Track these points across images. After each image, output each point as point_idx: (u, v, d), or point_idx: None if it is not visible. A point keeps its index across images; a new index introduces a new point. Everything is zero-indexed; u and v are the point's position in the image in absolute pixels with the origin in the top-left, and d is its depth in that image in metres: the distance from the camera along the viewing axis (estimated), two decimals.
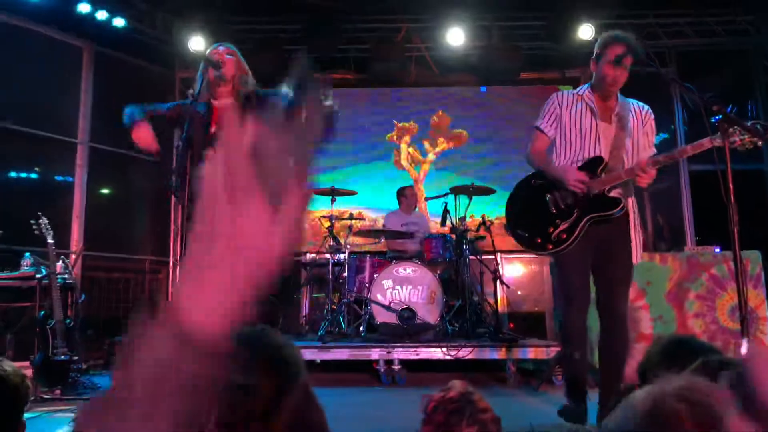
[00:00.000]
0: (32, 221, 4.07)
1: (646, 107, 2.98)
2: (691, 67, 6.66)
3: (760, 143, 2.47)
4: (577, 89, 3.01)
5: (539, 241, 2.87)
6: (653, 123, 2.97)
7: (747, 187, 4.74)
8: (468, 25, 6.51)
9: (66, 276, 4.36)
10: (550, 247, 2.84)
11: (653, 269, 4.53)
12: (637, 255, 2.86)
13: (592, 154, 2.86)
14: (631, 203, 2.90)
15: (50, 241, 4.00)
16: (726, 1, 6.39)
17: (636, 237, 2.86)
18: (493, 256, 5.52)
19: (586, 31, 6.24)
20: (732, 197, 2.59)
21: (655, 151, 2.90)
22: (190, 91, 2.90)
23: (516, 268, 6.87)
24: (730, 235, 2.56)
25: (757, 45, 6.57)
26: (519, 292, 6.73)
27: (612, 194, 2.81)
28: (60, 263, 4.21)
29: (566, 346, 2.94)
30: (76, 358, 3.91)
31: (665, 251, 5.10)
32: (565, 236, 2.81)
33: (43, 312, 3.90)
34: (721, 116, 2.42)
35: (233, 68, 2.89)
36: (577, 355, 2.79)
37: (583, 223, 2.80)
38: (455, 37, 6.50)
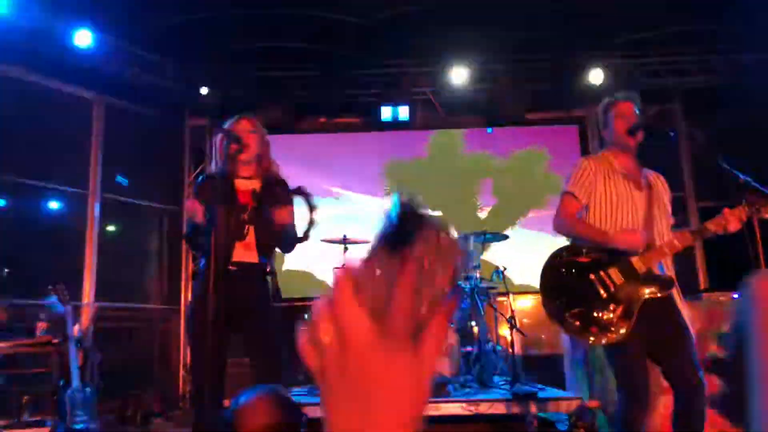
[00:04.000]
0: (50, 286, 4.04)
1: (660, 175, 2.94)
2: (695, 105, 6.68)
3: None
4: (601, 153, 2.89)
5: (594, 330, 2.56)
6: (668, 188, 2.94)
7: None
8: (474, 67, 6.56)
9: (80, 337, 4.32)
10: (611, 336, 2.54)
11: None
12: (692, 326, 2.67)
13: (628, 226, 2.69)
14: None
15: (68, 307, 3.96)
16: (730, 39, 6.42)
17: (686, 309, 2.68)
18: (506, 298, 5.45)
19: (596, 76, 6.32)
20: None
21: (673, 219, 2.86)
22: (210, 168, 2.83)
23: (530, 308, 6.80)
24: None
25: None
26: (536, 335, 6.63)
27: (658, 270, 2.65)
28: (76, 326, 4.17)
29: None
30: (93, 426, 3.85)
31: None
32: (622, 324, 2.53)
33: (62, 381, 3.85)
34: (746, 193, 2.45)
35: (256, 147, 2.72)
36: None
37: (640, 305, 2.55)
38: (460, 78, 6.54)
